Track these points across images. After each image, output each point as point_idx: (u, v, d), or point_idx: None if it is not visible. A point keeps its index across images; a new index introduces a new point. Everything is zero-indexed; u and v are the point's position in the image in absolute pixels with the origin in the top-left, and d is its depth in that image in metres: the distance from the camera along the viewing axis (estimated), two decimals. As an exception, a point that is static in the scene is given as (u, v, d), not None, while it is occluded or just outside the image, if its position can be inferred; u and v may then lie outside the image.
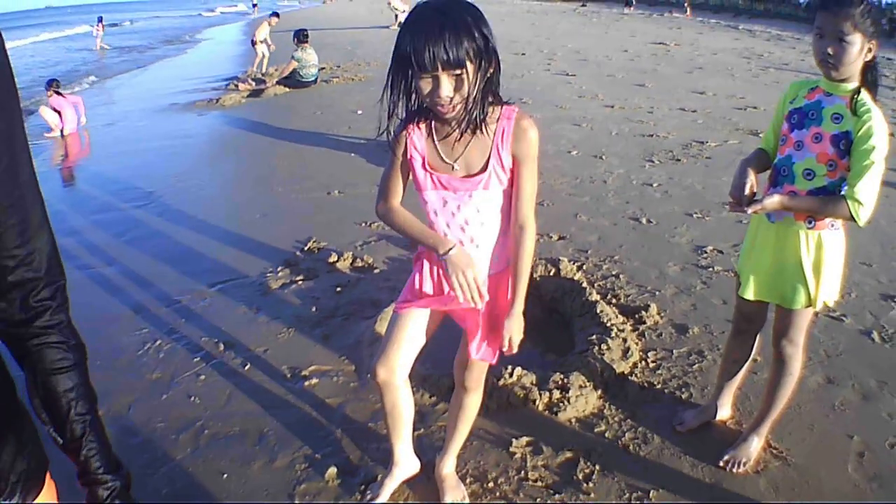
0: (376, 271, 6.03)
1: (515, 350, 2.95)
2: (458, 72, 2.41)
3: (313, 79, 16.09)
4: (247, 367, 4.56)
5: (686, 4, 47.91)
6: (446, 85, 2.43)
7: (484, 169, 2.68)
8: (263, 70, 18.65)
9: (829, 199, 3.19)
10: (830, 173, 3.21)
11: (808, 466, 3.78)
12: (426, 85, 2.45)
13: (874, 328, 5.34)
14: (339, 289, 5.63)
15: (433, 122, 2.69)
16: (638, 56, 23.07)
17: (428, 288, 2.98)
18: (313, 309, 5.29)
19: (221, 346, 4.84)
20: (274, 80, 16.15)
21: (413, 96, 2.57)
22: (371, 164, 9.62)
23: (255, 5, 63.03)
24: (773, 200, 3.17)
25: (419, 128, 2.72)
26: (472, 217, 2.75)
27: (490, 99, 2.62)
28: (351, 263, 6.16)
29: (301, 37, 15.66)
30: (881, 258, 6.80)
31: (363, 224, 7.18)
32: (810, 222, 3.30)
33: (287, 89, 15.72)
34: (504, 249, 2.89)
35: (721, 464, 3.75)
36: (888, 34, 32.08)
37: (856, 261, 6.64)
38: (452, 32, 2.36)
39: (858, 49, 3.08)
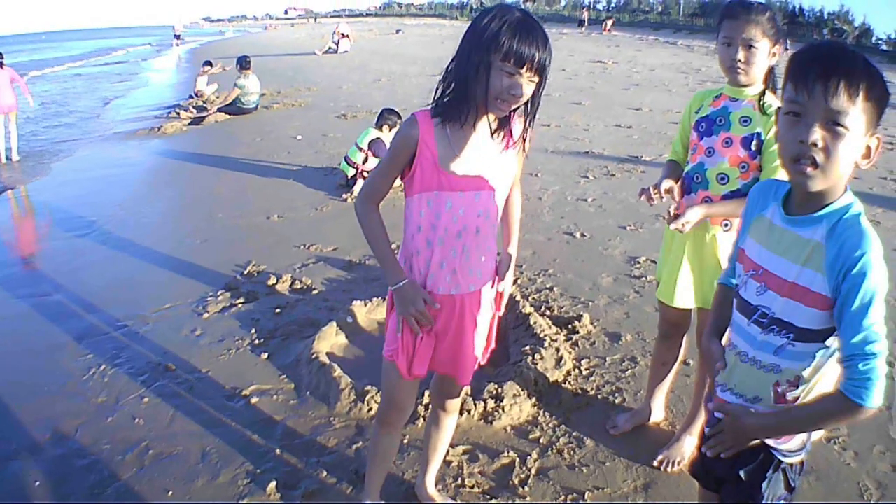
0: (314, 292, 6.06)
1: (504, 301, 3.09)
2: (537, 78, 2.52)
3: (254, 105, 16.03)
4: (189, 389, 4.56)
5: (606, 22, 48.80)
6: (527, 85, 2.51)
7: (493, 170, 2.74)
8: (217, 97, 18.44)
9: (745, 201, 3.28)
10: (743, 175, 3.32)
11: (743, 462, 3.88)
12: (506, 79, 2.49)
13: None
14: (278, 310, 5.66)
15: (448, 123, 2.69)
16: (576, 75, 23.40)
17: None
18: (253, 331, 5.30)
19: (164, 369, 4.82)
20: (215, 107, 16.06)
21: (471, 84, 2.57)
22: (309, 188, 9.64)
23: (177, 36, 62.02)
24: (696, 213, 3.25)
25: (434, 125, 2.70)
26: (473, 222, 2.73)
27: None
28: (290, 285, 6.18)
29: (244, 64, 15.58)
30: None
31: (302, 247, 7.21)
32: (726, 225, 3.40)
33: (228, 116, 15.64)
34: (489, 268, 2.90)
35: (655, 464, 3.82)
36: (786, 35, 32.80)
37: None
38: (546, 41, 2.51)
39: (766, 53, 3.22)
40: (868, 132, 1.91)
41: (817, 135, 1.86)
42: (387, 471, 3.34)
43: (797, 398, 2.08)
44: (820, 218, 1.98)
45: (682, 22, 51.51)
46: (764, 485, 2.19)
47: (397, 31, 47.87)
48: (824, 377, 2.06)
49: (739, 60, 3.22)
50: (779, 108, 2.00)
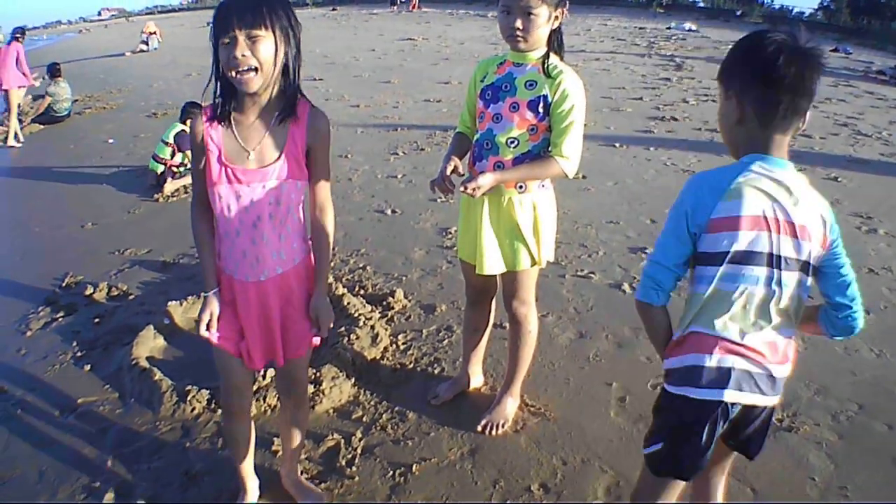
0: (131, 297, 5.87)
1: (326, 333, 2.99)
2: (255, 33, 2.45)
3: (67, 112, 15.23)
4: (19, 411, 4.36)
5: None
6: (242, 45, 2.44)
7: (278, 158, 2.67)
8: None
9: (538, 163, 3.36)
10: (533, 137, 3.39)
11: (569, 418, 4.03)
12: (224, 50, 2.46)
13: (624, 280, 5.74)
14: (97, 320, 5.45)
15: (233, 113, 2.67)
16: (385, 54, 23.45)
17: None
18: (74, 343, 5.10)
19: (-4, 392, 4.61)
20: (29, 118, 15.23)
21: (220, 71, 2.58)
22: (121, 192, 9.30)
23: None
24: (488, 179, 3.27)
25: (217, 119, 2.67)
26: (265, 213, 2.70)
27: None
28: (107, 293, 5.96)
29: (53, 71, 14.83)
30: (628, 215, 7.33)
31: (116, 252, 6.95)
32: (520, 187, 3.46)
33: (42, 126, 14.91)
34: (294, 249, 2.86)
35: (479, 429, 3.89)
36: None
37: (602, 220, 7.07)
38: None
39: (546, 19, 3.26)
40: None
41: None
42: (250, 456, 3.29)
43: None
44: None
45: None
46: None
47: (208, 24, 46.55)
48: None
49: (518, 28, 3.25)
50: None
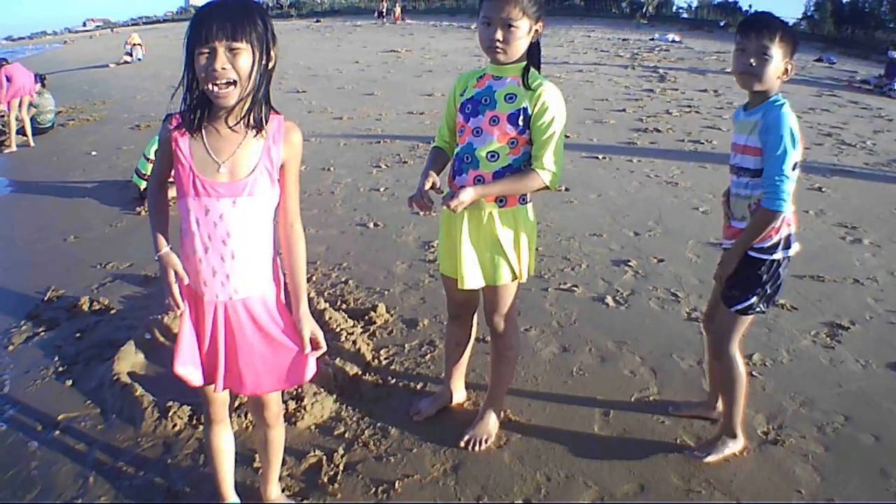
0: (113, 312, 5.82)
1: (324, 346, 2.94)
2: (235, 45, 2.41)
3: (51, 124, 15.14)
4: (1, 428, 4.32)
5: (395, 8, 49.17)
6: (221, 57, 2.40)
7: (252, 172, 2.62)
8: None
9: (519, 176, 3.35)
10: (513, 151, 3.38)
11: (553, 433, 4.01)
12: (202, 60, 2.42)
13: (607, 293, 5.72)
14: (78, 334, 5.40)
15: (205, 124, 2.61)
16: (369, 66, 23.49)
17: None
18: (56, 358, 5.05)
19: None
20: (13, 131, 15.12)
21: (193, 82, 2.54)
22: (104, 204, 9.24)
23: None
24: (469, 195, 3.25)
25: (188, 130, 2.62)
26: (235, 228, 2.64)
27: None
28: (89, 307, 5.91)
29: (40, 82, 14.83)
30: (611, 227, 7.33)
31: (98, 266, 6.90)
32: (501, 202, 3.45)
33: (24, 137, 14.80)
34: (265, 267, 2.81)
35: (462, 444, 3.85)
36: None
37: (585, 233, 7.06)
38: (235, 10, 2.42)
39: (526, 31, 3.27)
40: (784, 59, 3.28)
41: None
42: (231, 468, 3.25)
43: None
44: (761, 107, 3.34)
45: (478, 6, 52.39)
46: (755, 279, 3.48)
47: (189, 35, 46.49)
48: None
49: (498, 40, 3.25)
50: None
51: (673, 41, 31.16)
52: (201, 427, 3.98)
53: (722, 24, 39.52)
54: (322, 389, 4.30)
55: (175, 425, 4.11)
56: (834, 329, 5.13)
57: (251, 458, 3.72)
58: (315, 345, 2.90)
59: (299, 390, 4.23)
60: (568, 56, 24.57)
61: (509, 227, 3.49)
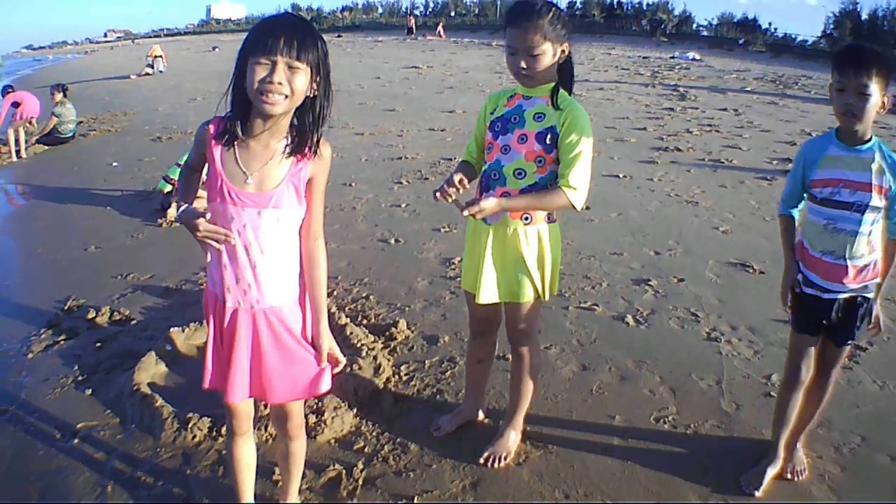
0: (133, 322, 5.86)
1: (343, 362, 2.99)
2: (296, 64, 2.45)
3: (72, 134, 15.23)
4: (21, 433, 4.34)
5: (439, 27, 49.16)
6: (281, 72, 2.44)
7: (279, 184, 2.65)
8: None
9: (545, 193, 3.36)
10: (540, 169, 3.40)
11: (572, 451, 4.01)
12: (260, 69, 2.44)
13: (627, 312, 5.72)
14: (99, 344, 5.44)
15: (240, 132, 2.64)
16: (390, 82, 23.56)
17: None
18: (76, 367, 5.08)
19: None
20: (34, 139, 15.22)
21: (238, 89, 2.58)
22: (125, 215, 9.30)
23: None
24: (491, 203, 3.24)
25: (224, 142, 2.65)
26: (260, 239, 2.67)
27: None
28: (109, 318, 5.95)
29: (63, 91, 14.92)
30: (632, 246, 7.32)
31: (119, 277, 6.95)
32: (526, 219, 3.46)
33: (46, 147, 14.90)
34: (288, 278, 2.83)
35: (481, 461, 3.85)
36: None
37: (606, 251, 7.06)
38: (303, 29, 2.47)
39: (551, 56, 3.30)
40: (882, 94, 3.24)
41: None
42: (252, 481, 3.27)
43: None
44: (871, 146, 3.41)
45: (500, 23, 52.57)
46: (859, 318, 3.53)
47: (214, 49, 46.56)
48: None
49: (524, 68, 3.30)
50: None
51: (693, 59, 31.21)
52: (221, 439, 4.01)
53: (741, 41, 39.48)
54: (342, 404, 4.32)
55: (195, 436, 4.13)
56: (852, 349, 5.11)
57: (271, 470, 3.74)
58: (333, 361, 2.94)
59: (320, 404, 4.25)
60: (588, 74, 24.59)
61: (534, 245, 3.50)
